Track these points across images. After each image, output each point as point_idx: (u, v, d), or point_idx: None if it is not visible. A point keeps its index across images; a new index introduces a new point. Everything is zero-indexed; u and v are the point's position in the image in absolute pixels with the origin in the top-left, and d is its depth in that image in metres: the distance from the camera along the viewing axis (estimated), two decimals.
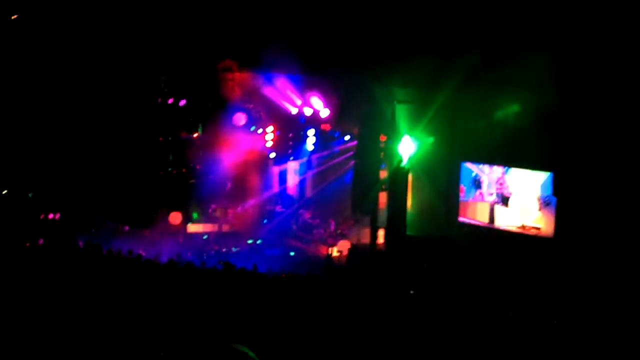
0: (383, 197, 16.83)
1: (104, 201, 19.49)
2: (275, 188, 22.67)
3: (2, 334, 6.70)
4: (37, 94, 19.87)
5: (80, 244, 15.33)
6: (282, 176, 22.83)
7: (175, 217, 20.28)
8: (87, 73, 20.09)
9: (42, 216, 18.95)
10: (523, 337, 7.62)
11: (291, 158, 22.73)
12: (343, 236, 18.68)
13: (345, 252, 17.44)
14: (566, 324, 8.44)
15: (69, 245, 14.59)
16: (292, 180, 22.77)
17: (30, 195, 19.46)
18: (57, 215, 18.73)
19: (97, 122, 20.46)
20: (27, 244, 13.32)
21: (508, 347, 7.12)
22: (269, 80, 21.48)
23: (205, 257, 16.53)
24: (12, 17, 20.41)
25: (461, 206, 16.12)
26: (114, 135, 20.63)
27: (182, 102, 21.78)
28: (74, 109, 20.23)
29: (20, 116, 19.65)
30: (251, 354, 3.33)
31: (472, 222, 15.83)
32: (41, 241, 14.11)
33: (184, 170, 21.94)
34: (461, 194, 16.09)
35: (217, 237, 19.67)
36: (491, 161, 15.56)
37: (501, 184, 15.25)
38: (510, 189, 15.08)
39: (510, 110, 14.51)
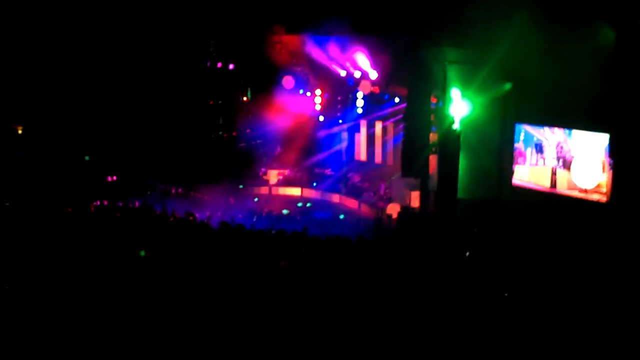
0: (434, 161, 16.63)
1: (158, 164, 19.89)
2: (325, 151, 22.70)
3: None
4: (91, 61, 20.26)
5: (137, 204, 15.77)
6: (331, 139, 22.82)
7: (227, 180, 20.46)
8: (139, 40, 20.33)
9: (100, 178, 19.51)
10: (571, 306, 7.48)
11: (340, 121, 22.66)
12: (393, 199, 18.62)
13: (395, 216, 17.40)
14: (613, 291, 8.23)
15: (126, 206, 15.03)
16: (341, 143, 22.72)
17: (87, 158, 20.00)
18: (114, 178, 19.21)
19: (149, 87, 20.78)
20: (92, 206, 13.77)
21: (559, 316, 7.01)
22: (317, 43, 21.32)
23: (255, 220, 16.75)
24: None
25: (521, 170, 15.76)
26: (165, 99, 20.95)
27: (231, 66, 21.89)
28: (127, 75, 20.56)
29: (76, 82, 20.10)
30: None
31: (529, 185, 15.47)
32: (105, 202, 14.58)
33: (234, 133, 22.17)
34: (522, 159, 15.70)
35: (268, 200, 19.89)
36: (546, 122, 15.11)
37: (562, 147, 14.81)
38: (573, 152, 14.63)
39: (567, 68, 13.99)
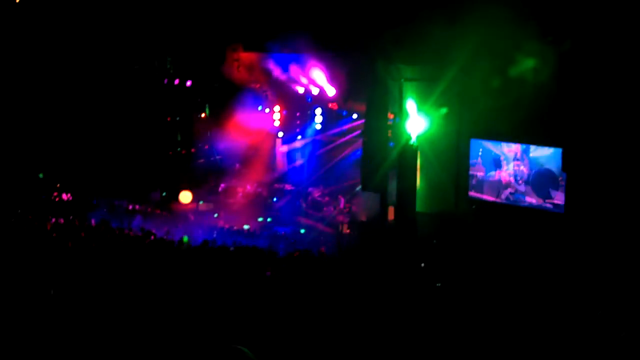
0: (392, 175, 16.88)
1: (115, 181, 19.65)
2: (284, 167, 22.81)
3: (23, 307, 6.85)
4: (44, 78, 19.98)
5: (93, 222, 15.52)
6: (290, 155, 22.93)
7: (186, 197, 20.44)
8: (95, 56, 20.16)
9: (54, 196, 19.16)
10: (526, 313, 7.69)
11: (299, 137, 22.81)
12: (352, 214, 18.80)
13: (355, 229, 17.57)
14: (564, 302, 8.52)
15: (82, 223, 14.78)
16: (300, 159, 22.85)
17: (40, 176, 19.63)
18: (69, 196, 18.89)
19: (105, 104, 20.59)
20: (48, 224, 13.50)
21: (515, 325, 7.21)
22: (275, 60, 21.47)
23: (215, 235, 16.68)
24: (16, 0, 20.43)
25: (477, 184, 16.13)
26: (123, 116, 20.76)
27: (189, 83, 21.85)
28: (84, 91, 20.35)
29: (28, 100, 19.78)
30: (249, 354, 3.41)
31: (485, 198, 15.86)
32: (62, 220, 14.30)
33: (192, 150, 22.09)
34: (480, 174, 16.08)
35: (228, 216, 19.81)
36: (501, 138, 15.55)
37: (519, 162, 15.25)
38: (529, 166, 15.06)
39: (519, 84, 14.43)
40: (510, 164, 15.41)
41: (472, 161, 16.21)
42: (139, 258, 10.74)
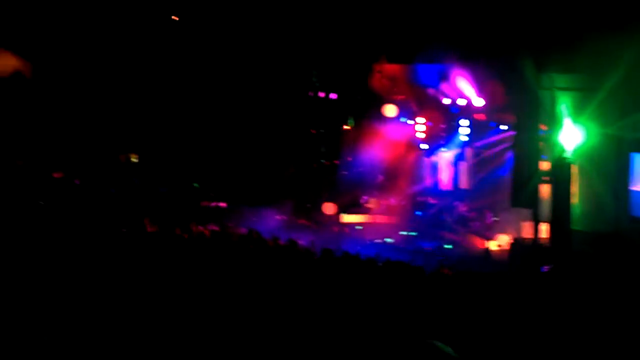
0: (544, 190, 16.03)
1: (261, 191, 20.33)
2: (428, 180, 22.44)
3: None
4: (198, 90, 21.19)
5: (244, 230, 16.08)
6: (435, 168, 22.53)
7: (329, 208, 20.69)
8: (243, 70, 21.06)
9: (206, 204, 20.17)
10: None
11: (444, 149, 22.35)
12: (501, 230, 18.06)
13: (504, 247, 16.85)
14: None
15: (234, 230, 15.37)
16: (445, 172, 22.37)
17: (196, 185, 20.78)
18: (223, 204, 19.80)
19: (253, 117, 21.42)
20: (206, 232, 14.15)
21: None
22: (420, 71, 21.24)
23: (359, 248, 16.69)
24: (173, 18, 21.87)
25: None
26: (269, 129, 21.49)
27: (333, 96, 22.20)
28: (231, 106, 21.33)
29: (185, 110, 21.07)
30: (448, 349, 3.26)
31: None
32: (217, 228, 14.98)
33: (336, 162, 22.37)
34: None
35: (371, 228, 19.80)
36: None
37: None
38: None
39: None
40: None
41: (633, 177, 15.01)
42: (287, 267, 10.91)
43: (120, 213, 15.07)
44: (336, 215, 20.67)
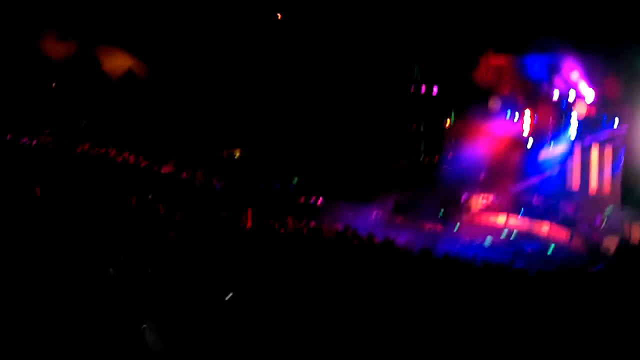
0: None
1: (360, 187, 20.29)
2: (533, 178, 21.45)
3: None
4: (301, 86, 21.45)
5: (340, 227, 16.13)
6: (541, 166, 21.50)
7: (429, 205, 20.27)
8: (344, 64, 21.08)
9: (304, 200, 20.41)
10: None
11: (551, 146, 21.30)
12: (610, 231, 17.01)
13: (612, 249, 15.86)
14: None
15: (330, 227, 15.44)
16: (552, 170, 21.32)
17: (295, 181, 21.08)
18: (321, 200, 19.95)
19: (353, 112, 21.41)
20: (305, 228, 14.32)
21: None
22: (527, 63, 20.37)
23: (458, 248, 16.29)
24: (278, 16, 22.26)
25: None
26: (368, 124, 21.41)
27: (435, 90, 21.77)
28: (331, 101, 21.43)
29: (283, 109, 21.45)
30: None
31: None
32: (313, 223, 15.14)
33: (436, 158, 21.95)
34: None
35: (470, 227, 19.25)
36: None
37: None
38: None
39: None
40: None
41: None
42: (383, 267, 10.81)
43: (224, 207, 15.53)
44: (433, 213, 20.25)
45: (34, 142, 16.81)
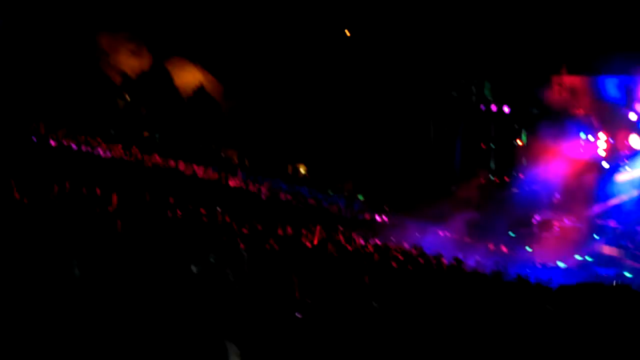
0: None
1: (427, 206, 19.97)
2: (609, 201, 20.57)
3: None
4: (366, 106, 21.45)
5: (407, 246, 15.89)
6: (617, 188, 20.61)
7: (496, 226, 19.77)
8: (411, 82, 20.94)
9: (369, 216, 20.25)
10: None
11: (628, 168, 20.41)
12: None
13: None
14: None
15: (396, 245, 15.24)
16: (630, 192, 20.39)
17: (360, 197, 20.98)
18: (386, 217, 19.78)
19: (420, 131, 21.20)
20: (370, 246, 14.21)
21: None
22: (604, 83, 19.70)
23: (529, 271, 15.75)
24: (347, 33, 22.34)
25: None
26: (436, 142, 21.13)
27: (506, 109, 21.31)
28: (398, 119, 21.30)
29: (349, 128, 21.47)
30: None
31: None
32: (379, 242, 15.02)
33: (506, 178, 21.43)
34: None
35: (542, 250, 18.61)
36: None
37: None
38: None
39: None
40: None
41: None
42: (453, 289, 10.51)
43: (290, 222, 15.56)
44: (503, 234, 19.71)
45: (109, 155, 17.31)
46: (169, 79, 22.53)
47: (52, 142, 16.34)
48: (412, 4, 19.93)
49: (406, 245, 16.07)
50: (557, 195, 20.70)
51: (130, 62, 22.08)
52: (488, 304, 9.84)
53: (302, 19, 21.30)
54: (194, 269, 4.14)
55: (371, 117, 21.53)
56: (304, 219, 16.56)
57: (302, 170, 23.41)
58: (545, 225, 20.12)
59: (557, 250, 18.22)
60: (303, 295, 8.22)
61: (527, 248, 19.03)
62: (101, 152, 17.37)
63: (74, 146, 16.77)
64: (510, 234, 19.83)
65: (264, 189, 19.51)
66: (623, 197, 20.38)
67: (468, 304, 9.71)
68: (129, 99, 21.78)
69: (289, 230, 14.24)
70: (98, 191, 11.00)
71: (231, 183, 19.53)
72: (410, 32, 20.19)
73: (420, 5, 19.85)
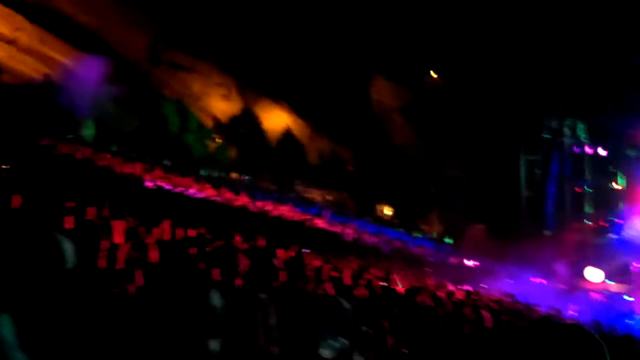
0: None
1: (518, 252, 19.30)
2: None
3: None
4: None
5: (497, 293, 15.32)
6: None
7: (593, 274, 18.83)
8: (500, 124, 20.56)
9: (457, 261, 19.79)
10: None
11: None
12: None
13: None
14: None
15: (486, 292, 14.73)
16: None
17: (448, 241, 20.57)
18: (476, 262, 19.25)
19: (509, 171, 20.70)
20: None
21: None
22: None
23: (629, 322, 14.84)
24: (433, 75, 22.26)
25: None
26: (527, 183, 20.57)
27: (603, 152, 20.52)
28: (486, 157, 20.89)
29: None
30: None
31: None
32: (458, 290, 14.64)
33: (603, 223, 20.45)
34: None
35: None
36: None
37: None
38: None
39: None
40: None
41: None
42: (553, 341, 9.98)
43: (376, 264, 15.41)
44: (602, 283, 18.72)
45: (202, 196, 17.75)
46: (258, 122, 23.08)
47: (149, 184, 16.92)
48: (507, 43, 19.68)
49: (499, 293, 15.52)
50: None
51: (221, 106, 22.80)
52: None
53: (389, 62, 21.45)
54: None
55: (461, 159, 21.22)
56: (391, 262, 16.37)
57: (388, 211, 23.25)
58: None
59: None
60: (398, 344, 8.04)
61: (627, 297, 17.98)
62: (194, 193, 17.84)
63: (168, 187, 17.30)
64: (608, 282, 18.82)
65: (348, 230, 19.44)
66: None
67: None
68: (219, 141, 22.40)
69: (373, 272, 14.08)
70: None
71: (317, 223, 19.57)
72: (503, 71, 19.89)
73: (516, 43, 19.55)
